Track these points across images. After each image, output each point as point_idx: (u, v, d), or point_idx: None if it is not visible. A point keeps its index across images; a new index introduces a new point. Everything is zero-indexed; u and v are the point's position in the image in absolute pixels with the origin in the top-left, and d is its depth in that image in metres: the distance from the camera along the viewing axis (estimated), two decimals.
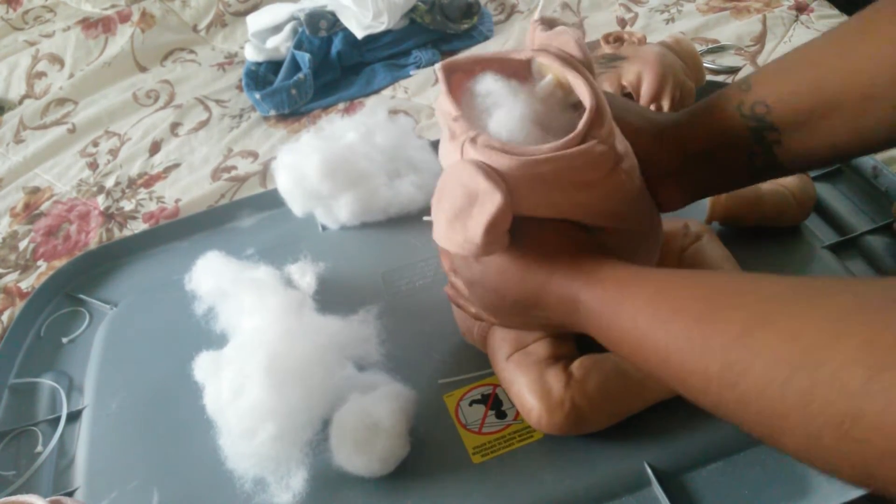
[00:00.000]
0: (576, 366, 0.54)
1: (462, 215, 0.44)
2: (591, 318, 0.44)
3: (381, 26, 1.10)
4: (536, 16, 0.54)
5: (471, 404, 0.60)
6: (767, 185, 0.70)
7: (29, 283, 0.85)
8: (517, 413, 0.58)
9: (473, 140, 0.45)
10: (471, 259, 0.50)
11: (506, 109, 0.47)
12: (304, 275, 0.70)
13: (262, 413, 0.54)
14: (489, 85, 0.48)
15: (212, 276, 0.69)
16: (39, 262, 0.89)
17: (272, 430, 0.53)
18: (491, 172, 0.44)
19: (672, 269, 0.43)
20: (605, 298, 0.43)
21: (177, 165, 1.00)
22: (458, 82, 0.49)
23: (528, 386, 0.54)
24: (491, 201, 0.43)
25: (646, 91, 0.73)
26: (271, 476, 0.55)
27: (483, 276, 0.49)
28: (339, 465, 0.55)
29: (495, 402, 0.59)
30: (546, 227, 0.47)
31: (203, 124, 1.07)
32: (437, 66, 0.49)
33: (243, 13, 1.27)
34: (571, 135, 0.44)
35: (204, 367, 0.60)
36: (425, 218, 0.53)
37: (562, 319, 0.47)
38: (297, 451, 0.55)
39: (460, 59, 0.50)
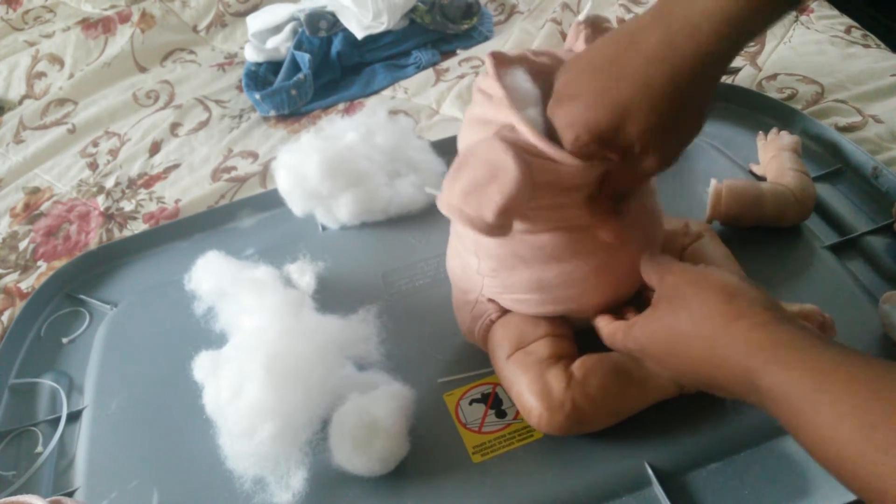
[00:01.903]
0: (577, 366, 0.54)
1: (478, 190, 0.44)
2: (776, 406, 0.39)
3: (381, 26, 1.09)
4: (582, 17, 0.54)
5: (471, 403, 0.60)
6: (768, 185, 0.70)
7: (29, 283, 0.85)
8: (517, 412, 0.58)
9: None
10: (635, 333, 0.48)
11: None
12: (304, 274, 0.70)
13: (261, 412, 0.53)
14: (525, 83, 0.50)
15: (211, 275, 0.69)
16: (39, 263, 0.89)
17: (271, 429, 0.53)
18: (519, 153, 0.43)
19: (870, 360, 0.37)
20: (793, 388, 0.38)
21: (177, 166, 1.00)
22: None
23: (529, 386, 0.53)
24: (512, 179, 0.42)
25: None
26: (271, 475, 0.55)
27: (647, 347, 0.47)
28: (339, 464, 0.55)
29: (495, 401, 0.59)
30: (712, 293, 0.44)
31: (203, 125, 1.07)
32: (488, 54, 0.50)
33: (243, 13, 1.27)
34: None
35: (203, 366, 0.60)
36: (427, 189, 0.53)
37: (740, 395, 0.42)
38: (296, 450, 0.55)
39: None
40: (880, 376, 0.36)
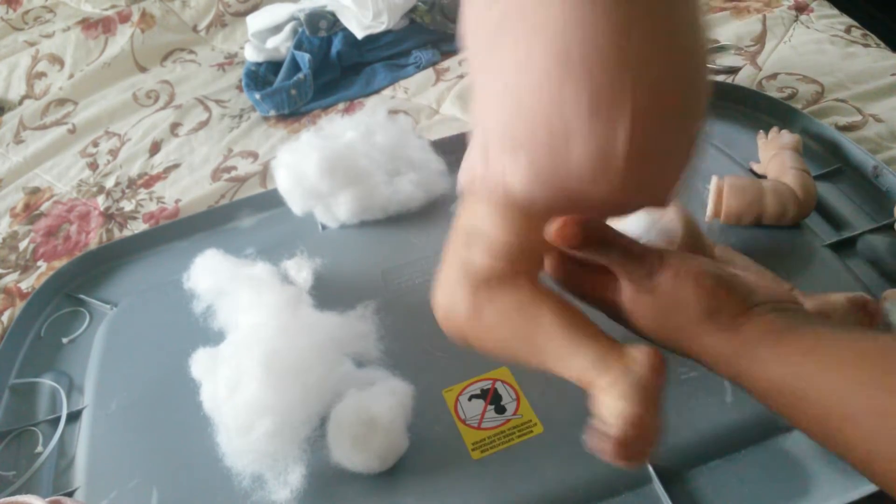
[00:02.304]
0: (492, 306, 0.46)
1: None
2: (766, 401, 0.41)
3: (381, 26, 1.10)
4: None
5: (470, 399, 0.60)
6: (769, 183, 0.70)
7: (29, 283, 0.85)
8: (517, 408, 0.58)
9: None
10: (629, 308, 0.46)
11: None
12: (301, 270, 0.70)
13: (258, 409, 0.53)
14: None
15: (210, 273, 0.69)
16: (39, 263, 0.89)
17: (269, 425, 0.53)
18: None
19: (842, 332, 0.40)
20: (774, 380, 0.40)
21: (177, 166, 1.00)
22: None
23: (443, 287, 0.49)
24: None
25: None
26: (269, 472, 0.55)
27: (644, 329, 0.47)
28: (338, 461, 0.55)
29: (495, 397, 0.59)
30: (694, 295, 0.44)
31: (203, 124, 1.07)
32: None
33: (243, 13, 1.27)
34: None
35: (201, 363, 0.60)
36: None
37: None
38: (294, 447, 0.54)
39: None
40: (861, 348, 0.38)
